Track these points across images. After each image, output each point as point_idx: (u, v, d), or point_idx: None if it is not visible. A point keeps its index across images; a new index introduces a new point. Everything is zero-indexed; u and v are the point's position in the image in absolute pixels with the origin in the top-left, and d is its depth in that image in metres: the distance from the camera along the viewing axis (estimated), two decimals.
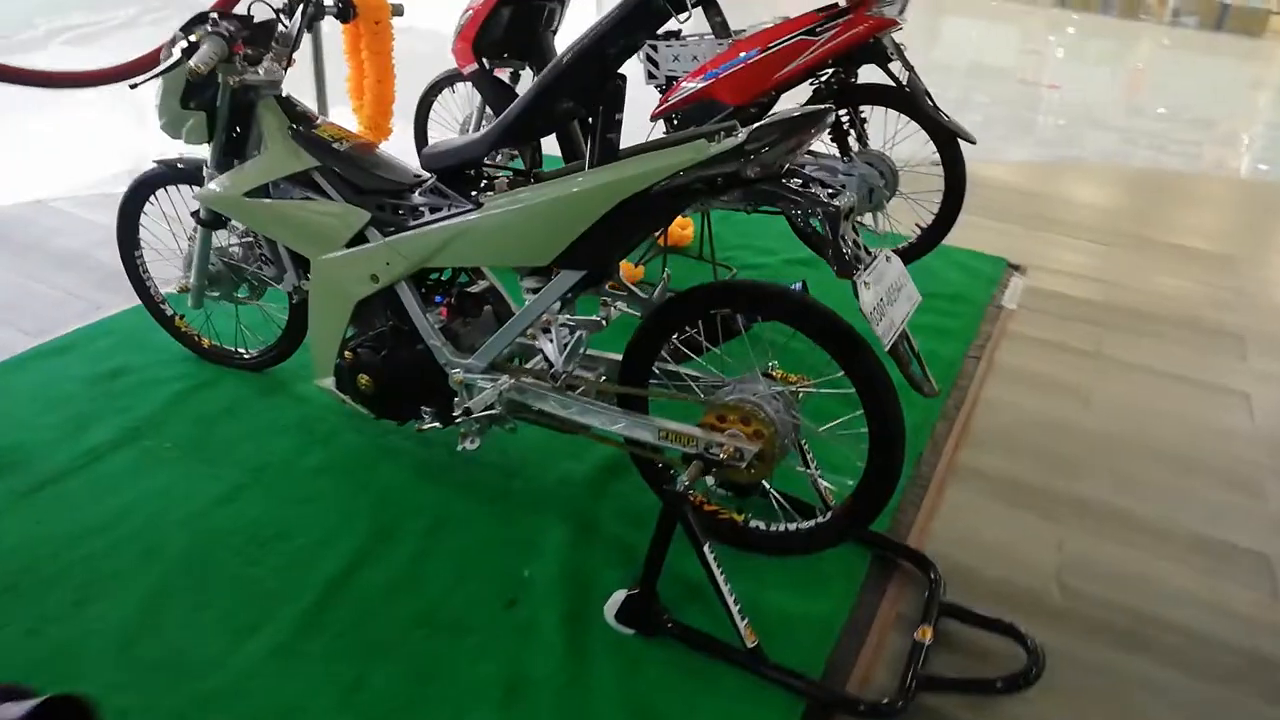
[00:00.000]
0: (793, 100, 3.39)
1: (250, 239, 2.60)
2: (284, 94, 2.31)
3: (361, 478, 2.38)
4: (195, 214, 2.50)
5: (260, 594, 2.01)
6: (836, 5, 3.09)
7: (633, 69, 3.57)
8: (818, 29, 3.05)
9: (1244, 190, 6.26)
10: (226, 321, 2.85)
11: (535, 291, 2.04)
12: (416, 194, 2.12)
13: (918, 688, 1.87)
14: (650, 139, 1.88)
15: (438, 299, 2.21)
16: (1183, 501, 2.58)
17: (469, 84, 3.60)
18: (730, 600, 1.87)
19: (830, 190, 1.77)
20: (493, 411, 2.10)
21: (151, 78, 2.15)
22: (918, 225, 3.40)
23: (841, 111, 3.32)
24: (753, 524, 2.15)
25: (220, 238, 2.59)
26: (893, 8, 3.04)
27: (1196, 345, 3.54)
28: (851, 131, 3.33)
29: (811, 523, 2.07)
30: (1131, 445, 2.83)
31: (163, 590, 2.00)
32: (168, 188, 2.62)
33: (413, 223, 2.10)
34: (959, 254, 4.03)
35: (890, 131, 3.31)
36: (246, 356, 2.80)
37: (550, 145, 3.34)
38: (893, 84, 3.17)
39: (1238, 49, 13.83)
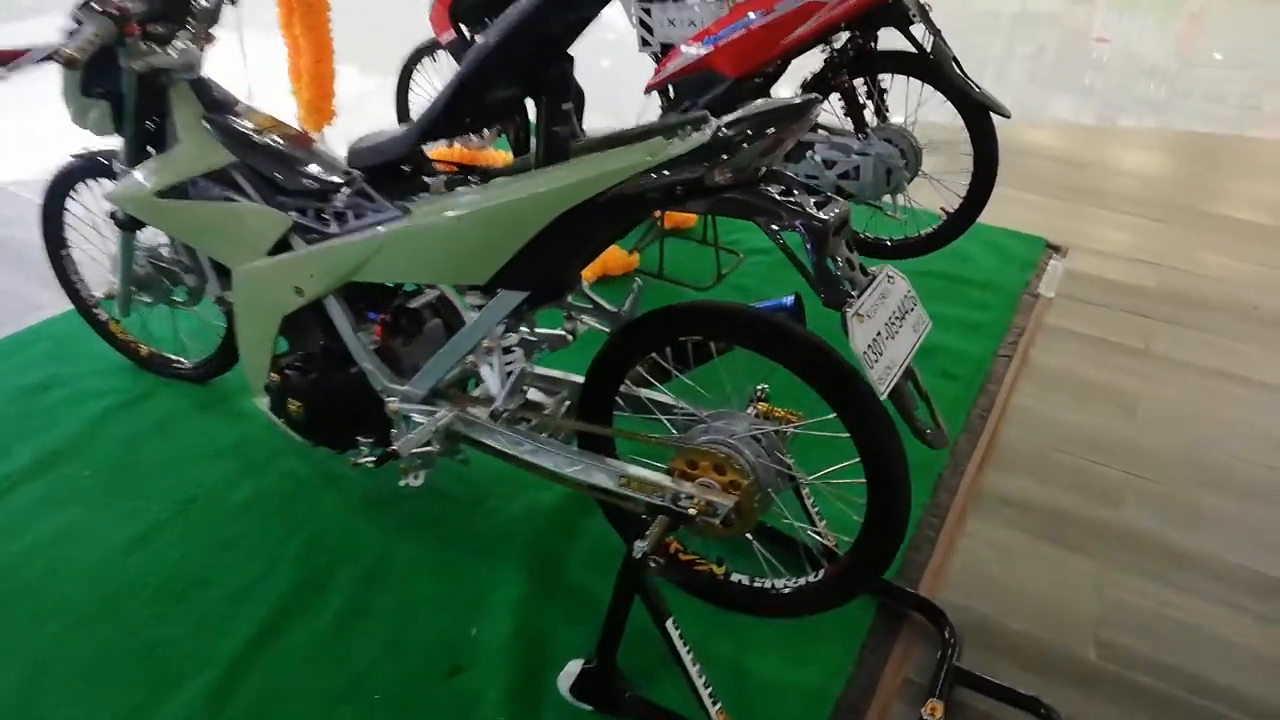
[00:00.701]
0: (804, 69, 3.04)
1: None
2: (200, 77, 2.01)
3: (296, 513, 2.11)
4: (112, 215, 2.21)
5: (164, 662, 1.74)
6: None
7: (627, 33, 3.26)
8: None
9: None
10: (167, 326, 2.58)
11: (479, 308, 1.74)
12: (341, 196, 1.81)
13: None
14: (641, 118, 1.54)
15: (370, 315, 1.92)
16: (1243, 534, 2.24)
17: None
18: (699, 683, 1.58)
19: (818, 199, 1.44)
20: (428, 449, 1.81)
21: (15, 67, 1.84)
22: (943, 209, 3.03)
23: (858, 81, 2.95)
24: (735, 577, 1.84)
25: (149, 236, 2.31)
26: None
27: (1260, 340, 3.14)
28: (868, 104, 2.97)
29: (801, 580, 1.76)
30: (1183, 463, 2.48)
31: (51, 660, 1.74)
32: (89, 181, 2.34)
33: (335, 230, 1.80)
34: (990, 233, 3.64)
35: (913, 103, 2.94)
36: (186, 366, 2.53)
37: None
38: (915, 50, 2.79)
39: None
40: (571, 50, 1.55)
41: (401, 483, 1.88)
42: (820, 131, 2.99)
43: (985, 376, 2.79)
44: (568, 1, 1.47)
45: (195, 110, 1.96)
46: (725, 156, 1.39)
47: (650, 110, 3.12)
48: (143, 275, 2.35)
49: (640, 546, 1.55)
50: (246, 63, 3.94)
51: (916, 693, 1.77)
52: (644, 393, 1.82)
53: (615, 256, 3.19)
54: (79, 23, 1.86)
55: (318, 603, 1.88)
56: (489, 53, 1.47)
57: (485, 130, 3.78)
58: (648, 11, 3.10)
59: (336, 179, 1.84)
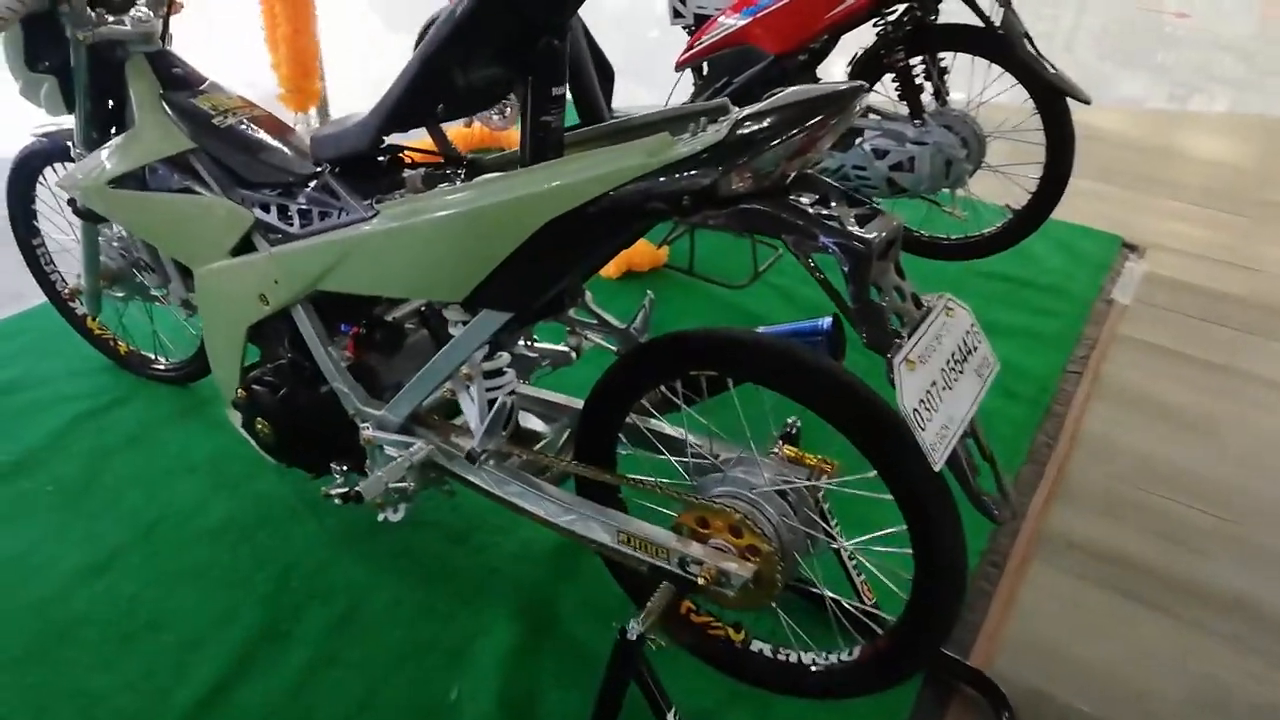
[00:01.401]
0: (854, 46, 2.72)
1: None
2: (161, 49, 1.77)
3: (266, 543, 1.89)
4: (71, 203, 1.99)
5: None
6: None
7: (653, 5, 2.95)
8: None
9: None
10: (146, 323, 2.37)
11: (464, 325, 1.49)
12: (306, 191, 1.57)
13: None
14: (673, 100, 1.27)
15: (343, 327, 1.68)
16: None
17: None
18: None
19: (860, 211, 1.15)
20: (403, 485, 1.57)
21: None
22: (1009, 206, 2.70)
23: (915, 59, 2.63)
24: (755, 646, 1.58)
25: (118, 226, 2.09)
26: None
27: None
28: (927, 85, 2.64)
29: (832, 658, 1.49)
30: (1277, 503, 2.17)
31: None
32: (56, 166, 2.12)
33: (298, 230, 1.55)
34: (1060, 229, 3.29)
35: (977, 85, 2.61)
36: (164, 367, 2.32)
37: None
38: (981, 24, 2.46)
39: None
40: (591, 24, 1.29)
41: (380, 517, 1.65)
42: (871, 116, 2.67)
43: (1052, 396, 2.48)
44: None
45: (153, 88, 1.73)
46: (744, 159, 1.11)
47: (683, 89, 2.84)
48: (114, 269, 2.13)
49: (635, 628, 1.30)
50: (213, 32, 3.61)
51: None
52: (651, 424, 1.56)
53: (642, 250, 2.92)
54: None
55: (280, 654, 1.66)
56: (457, 23, 1.20)
57: (507, 109, 3.52)
58: None
59: (304, 171, 1.60)
